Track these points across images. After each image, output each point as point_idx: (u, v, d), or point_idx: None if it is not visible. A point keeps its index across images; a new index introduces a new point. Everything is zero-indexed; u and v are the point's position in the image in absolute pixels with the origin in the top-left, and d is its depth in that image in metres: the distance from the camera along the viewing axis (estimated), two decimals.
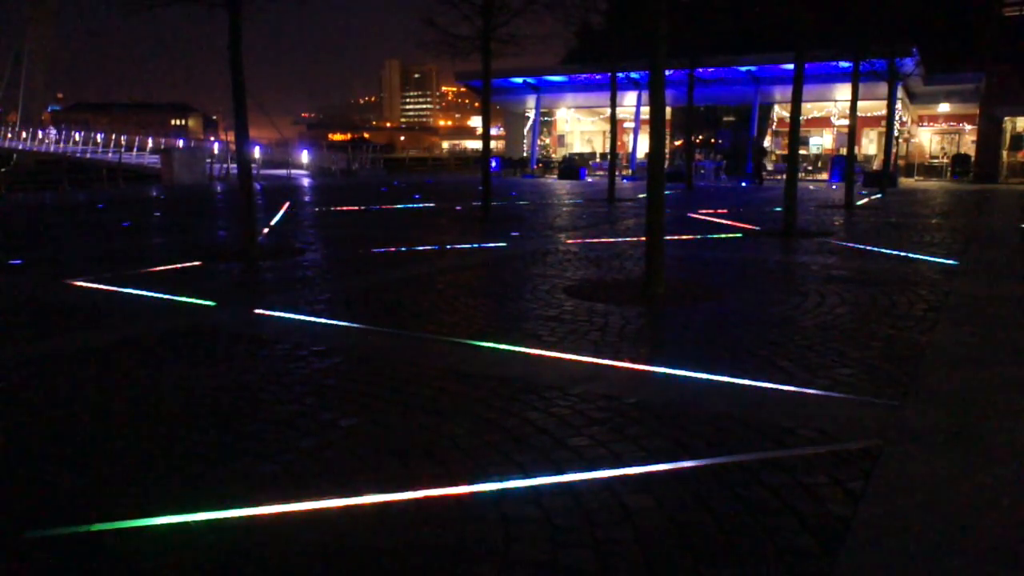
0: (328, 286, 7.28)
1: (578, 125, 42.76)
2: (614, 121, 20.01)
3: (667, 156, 12.27)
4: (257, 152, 36.92)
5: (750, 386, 4.17)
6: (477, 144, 48.90)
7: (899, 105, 29.31)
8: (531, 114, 39.82)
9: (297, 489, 2.92)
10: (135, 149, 40.45)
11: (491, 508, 2.77)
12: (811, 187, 26.50)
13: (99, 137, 46.91)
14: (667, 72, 6.96)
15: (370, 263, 8.80)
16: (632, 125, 36.18)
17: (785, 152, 25.84)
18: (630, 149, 36.90)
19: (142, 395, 4.03)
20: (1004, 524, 2.68)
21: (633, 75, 31.80)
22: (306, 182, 29.58)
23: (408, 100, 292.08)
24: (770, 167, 34.27)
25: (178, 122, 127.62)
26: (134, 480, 3.00)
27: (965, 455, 3.26)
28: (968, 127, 35.29)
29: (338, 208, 17.03)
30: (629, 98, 34.44)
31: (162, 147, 35.09)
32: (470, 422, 3.60)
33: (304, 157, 40.31)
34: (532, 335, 5.28)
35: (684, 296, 6.75)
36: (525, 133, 40.89)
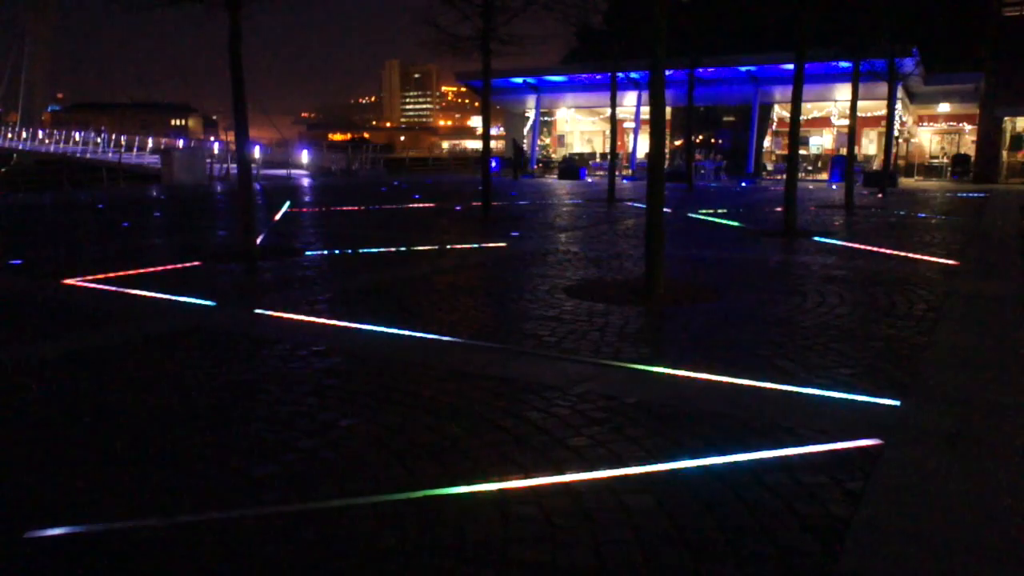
0: (328, 286, 7.28)
1: (578, 125, 42.72)
2: (614, 121, 20.01)
3: (667, 156, 12.27)
4: (257, 152, 36.82)
5: (750, 386, 4.17)
6: (477, 144, 48.85)
7: (899, 105, 29.27)
8: (531, 114, 39.79)
9: (297, 489, 2.92)
10: (135, 149, 40.39)
11: (491, 508, 2.77)
12: (811, 187, 26.50)
13: (99, 137, 46.85)
14: (667, 72, 6.96)
15: (370, 263, 8.80)
16: (632, 125, 36.17)
17: (785, 152, 25.83)
18: (630, 149, 36.88)
19: (142, 395, 4.03)
20: (1004, 524, 2.68)
21: (633, 75, 31.75)
22: (306, 182, 29.56)
23: (408, 100, 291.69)
24: (770, 167, 34.27)
25: (178, 122, 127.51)
26: (134, 480, 3.00)
27: (965, 455, 3.26)
28: (968, 127, 35.23)
29: (338, 208, 17.02)
30: (629, 98, 34.41)
31: (162, 147, 35.05)
32: (470, 422, 3.60)
33: (304, 157, 40.23)
34: (532, 335, 5.28)
35: (684, 296, 6.75)
36: (525, 133, 40.86)
